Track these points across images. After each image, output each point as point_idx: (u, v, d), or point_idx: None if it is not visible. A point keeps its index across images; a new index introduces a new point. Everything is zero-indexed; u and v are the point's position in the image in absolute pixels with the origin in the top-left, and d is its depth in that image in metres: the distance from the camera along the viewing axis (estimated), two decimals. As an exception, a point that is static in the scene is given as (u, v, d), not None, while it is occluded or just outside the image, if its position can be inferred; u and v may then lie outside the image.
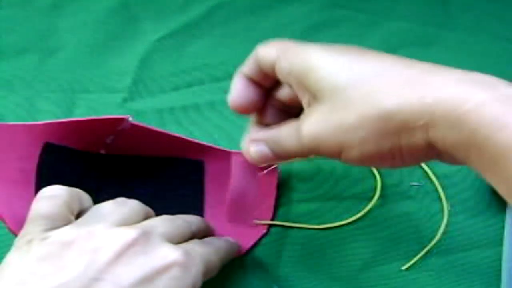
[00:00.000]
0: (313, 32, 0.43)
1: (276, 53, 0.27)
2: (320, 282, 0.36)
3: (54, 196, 0.27)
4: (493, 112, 0.20)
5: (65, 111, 0.40)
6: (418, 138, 0.22)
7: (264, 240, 0.36)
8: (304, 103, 0.26)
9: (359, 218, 0.37)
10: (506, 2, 0.44)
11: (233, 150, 0.37)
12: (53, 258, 0.24)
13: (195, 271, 0.26)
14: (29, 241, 0.25)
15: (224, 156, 0.36)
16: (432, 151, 0.22)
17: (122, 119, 0.32)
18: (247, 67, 0.29)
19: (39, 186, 0.31)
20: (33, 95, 0.41)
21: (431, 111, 0.21)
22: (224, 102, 0.41)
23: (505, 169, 0.20)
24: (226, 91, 0.41)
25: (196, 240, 0.29)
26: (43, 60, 0.42)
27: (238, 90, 0.30)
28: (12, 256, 0.25)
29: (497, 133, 0.19)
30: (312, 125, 0.25)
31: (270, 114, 0.31)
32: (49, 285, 0.23)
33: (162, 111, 0.40)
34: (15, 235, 0.27)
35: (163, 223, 0.28)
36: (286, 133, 0.27)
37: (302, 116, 0.26)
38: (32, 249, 0.25)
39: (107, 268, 0.24)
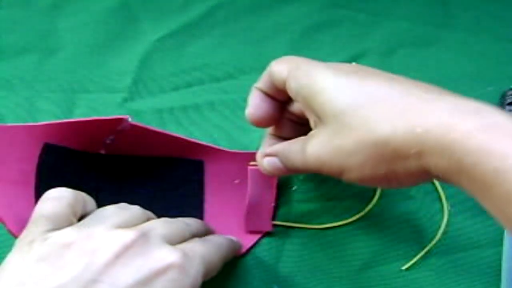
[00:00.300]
0: (313, 32, 0.43)
1: (287, 71, 0.28)
2: (320, 282, 0.36)
3: (59, 198, 0.27)
4: (479, 141, 0.21)
5: (65, 111, 0.40)
6: (412, 164, 0.23)
7: (264, 240, 0.36)
8: (311, 123, 0.28)
9: (359, 218, 0.37)
10: (506, 2, 0.44)
11: (233, 151, 0.37)
12: (53, 258, 0.24)
13: (194, 273, 0.26)
14: (31, 242, 0.25)
15: (224, 156, 0.36)
16: (427, 175, 0.24)
17: (121, 119, 0.32)
18: (262, 82, 0.31)
19: (38, 187, 0.31)
20: (33, 95, 0.41)
21: (422, 141, 0.22)
22: (224, 102, 0.41)
23: (494, 195, 0.21)
24: (226, 91, 0.41)
25: (196, 239, 0.29)
26: (43, 60, 0.42)
27: (255, 104, 0.31)
28: (12, 257, 0.25)
29: (484, 161, 0.21)
30: (315, 147, 0.27)
31: (285, 127, 0.32)
32: (47, 287, 0.23)
33: (162, 111, 0.40)
34: (14, 236, 0.27)
35: (162, 224, 0.28)
36: (294, 150, 0.29)
37: (308, 136, 0.28)
38: (32, 250, 0.25)
39: (105, 270, 0.24)
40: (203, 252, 0.28)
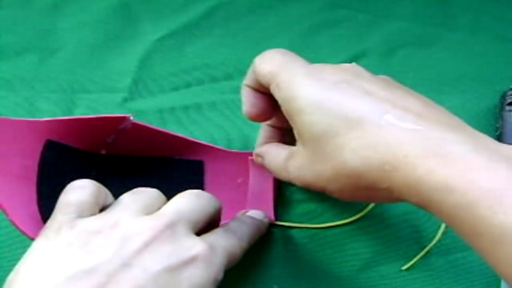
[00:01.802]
0: (313, 32, 0.43)
1: (270, 75, 0.28)
2: (320, 282, 0.36)
3: (83, 187, 0.28)
4: (441, 177, 0.21)
5: (65, 111, 0.40)
6: (386, 194, 0.24)
7: (264, 240, 0.36)
8: (294, 132, 0.28)
9: (359, 218, 0.37)
10: (506, 2, 0.44)
11: (234, 151, 0.37)
12: (82, 244, 0.25)
13: (218, 264, 0.27)
14: (58, 229, 0.26)
15: (224, 156, 0.36)
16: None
17: (123, 118, 0.32)
18: (249, 79, 0.31)
19: (39, 183, 0.31)
20: (33, 95, 0.41)
21: (391, 179, 0.23)
22: (224, 102, 0.41)
23: (462, 228, 0.21)
24: (226, 91, 0.41)
25: (221, 230, 0.30)
26: (43, 60, 0.42)
27: (249, 101, 0.31)
28: (39, 243, 0.25)
29: (448, 197, 0.21)
30: (297, 169, 0.28)
31: (279, 118, 0.32)
32: (80, 267, 0.24)
33: (163, 111, 0.40)
34: (18, 228, 0.27)
35: (188, 211, 0.28)
36: (278, 164, 0.30)
37: (290, 154, 0.29)
38: (60, 236, 0.25)
39: (136, 255, 0.25)
40: (226, 244, 0.28)
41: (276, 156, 0.31)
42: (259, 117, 0.31)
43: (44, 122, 0.31)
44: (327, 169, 0.26)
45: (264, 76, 0.29)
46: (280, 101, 0.28)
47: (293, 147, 0.29)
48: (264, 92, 0.31)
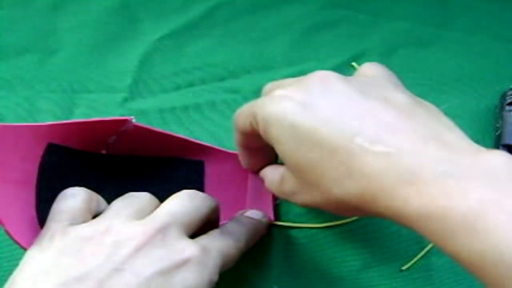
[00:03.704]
0: (313, 32, 0.43)
1: (248, 118, 0.29)
2: (320, 282, 0.36)
3: (75, 194, 0.28)
4: (417, 207, 0.21)
5: (65, 111, 0.40)
6: (375, 214, 0.24)
7: (264, 240, 0.36)
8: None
9: (359, 218, 0.37)
10: (506, 2, 0.44)
11: (234, 151, 0.37)
12: (74, 251, 0.25)
13: (212, 266, 0.27)
14: (51, 236, 0.26)
15: (225, 156, 0.36)
16: None
17: (125, 120, 0.32)
18: (236, 139, 0.32)
19: (39, 187, 0.31)
20: (33, 95, 0.41)
21: (372, 206, 0.23)
22: (224, 102, 0.41)
23: (447, 252, 0.21)
24: (226, 91, 0.41)
25: (217, 232, 0.29)
26: (43, 60, 0.42)
27: (246, 163, 0.34)
28: (33, 251, 0.26)
29: (427, 226, 0.21)
30: (290, 191, 0.28)
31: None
32: (72, 275, 0.24)
33: (163, 111, 0.40)
34: (12, 239, 0.27)
35: (181, 212, 0.28)
36: (273, 185, 0.31)
37: (282, 177, 0.29)
38: (53, 244, 0.26)
39: (127, 260, 0.25)
40: (221, 245, 0.28)
41: (271, 180, 0.31)
42: (260, 168, 0.33)
43: (45, 126, 0.31)
44: (317, 195, 0.26)
45: (244, 124, 0.29)
46: (262, 136, 0.28)
47: (284, 170, 0.29)
48: (255, 147, 0.32)
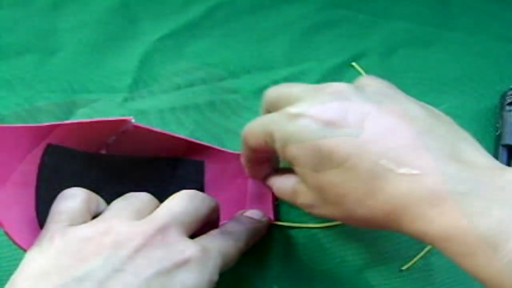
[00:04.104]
0: (313, 32, 0.43)
1: (262, 135, 0.29)
2: (320, 282, 0.36)
3: (74, 195, 0.28)
4: (439, 228, 0.22)
5: (65, 111, 0.40)
6: (399, 231, 0.24)
7: (264, 240, 0.36)
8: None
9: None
10: (506, 2, 0.44)
11: (234, 151, 0.37)
12: (74, 252, 0.25)
13: (212, 266, 0.27)
14: (50, 237, 0.26)
15: (225, 156, 0.36)
16: None
17: (125, 121, 0.32)
18: (246, 154, 0.32)
19: (39, 188, 0.31)
20: (33, 95, 0.41)
21: (396, 225, 0.24)
22: (224, 102, 0.41)
23: (467, 271, 0.21)
24: (226, 91, 0.41)
25: (217, 232, 0.30)
26: (43, 60, 0.42)
27: (250, 171, 0.34)
28: (32, 252, 0.26)
29: (448, 246, 0.22)
30: (307, 205, 0.28)
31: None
32: (72, 275, 0.24)
33: (163, 111, 0.40)
34: (12, 240, 0.27)
35: (180, 213, 0.28)
36: (284, 194, 0.31)
37: (296, 190, 0.29)
38: (53, 244, 0.25)
39: (127, 261, 0.25)
40: (221, 245, 0.28)
41: (282, 190, 0.31)
42: (263, 177, 0.33)
43: (45, 127, 0.31)
44: (338, 212, 0.26)
45: (256, 142, 0.29)
46: (280, 155, 0.28)
47: (296, 182, 0.29)
48: (260, 159, 0.32)
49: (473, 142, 0.25)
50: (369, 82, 0.28)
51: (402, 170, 0.23)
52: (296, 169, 0.27)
